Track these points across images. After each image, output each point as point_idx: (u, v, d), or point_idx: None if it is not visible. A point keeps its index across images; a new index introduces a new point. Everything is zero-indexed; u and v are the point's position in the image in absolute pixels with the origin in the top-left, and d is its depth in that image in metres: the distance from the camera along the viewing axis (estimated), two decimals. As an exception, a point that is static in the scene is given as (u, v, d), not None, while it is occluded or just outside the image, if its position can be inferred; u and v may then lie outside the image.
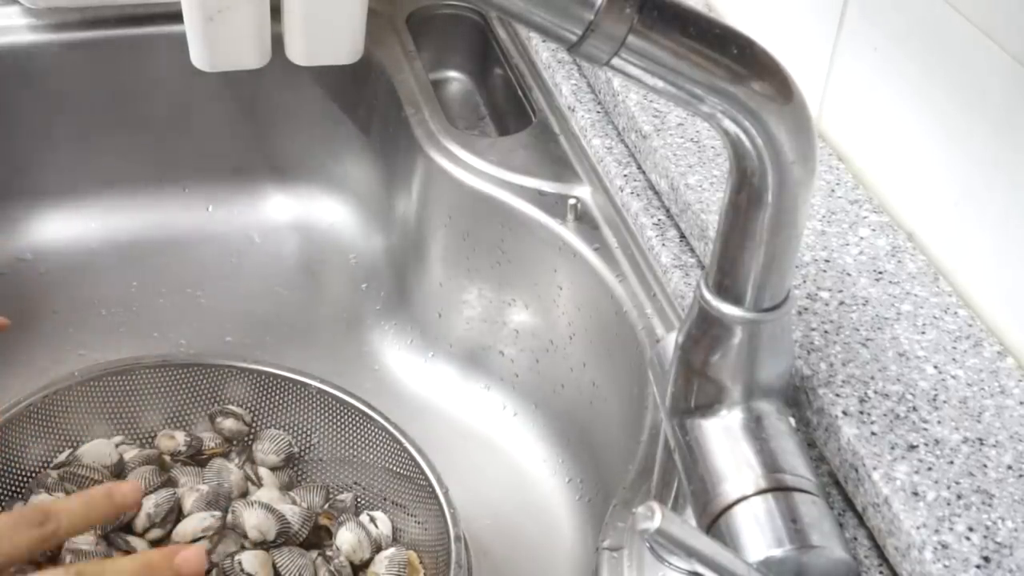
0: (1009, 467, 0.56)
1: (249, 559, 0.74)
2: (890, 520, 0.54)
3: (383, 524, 0.79)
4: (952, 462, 0.56)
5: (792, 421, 0.56)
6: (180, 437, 0.83)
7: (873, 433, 0.58)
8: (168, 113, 1.06)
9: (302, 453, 0.84)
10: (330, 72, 1.03)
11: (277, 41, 0.96)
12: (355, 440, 0.82)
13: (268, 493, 0.80)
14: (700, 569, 0.46)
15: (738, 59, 0.46)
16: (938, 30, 0.66)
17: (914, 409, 0.59)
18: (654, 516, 0.44)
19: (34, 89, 1.01)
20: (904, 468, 0.56)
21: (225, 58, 0.94)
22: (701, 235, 0.73)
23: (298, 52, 0.97)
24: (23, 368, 0.94)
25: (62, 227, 1.06)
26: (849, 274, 0.68)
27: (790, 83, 0.47)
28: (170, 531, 0.76)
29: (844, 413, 0.59)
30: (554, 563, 0.84)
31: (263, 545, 0.76)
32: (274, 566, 0.75)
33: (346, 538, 0.77)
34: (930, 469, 0.56)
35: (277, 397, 0.84)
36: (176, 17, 0.93)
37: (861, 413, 0.59)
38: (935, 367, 0.61)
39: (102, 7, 1.02)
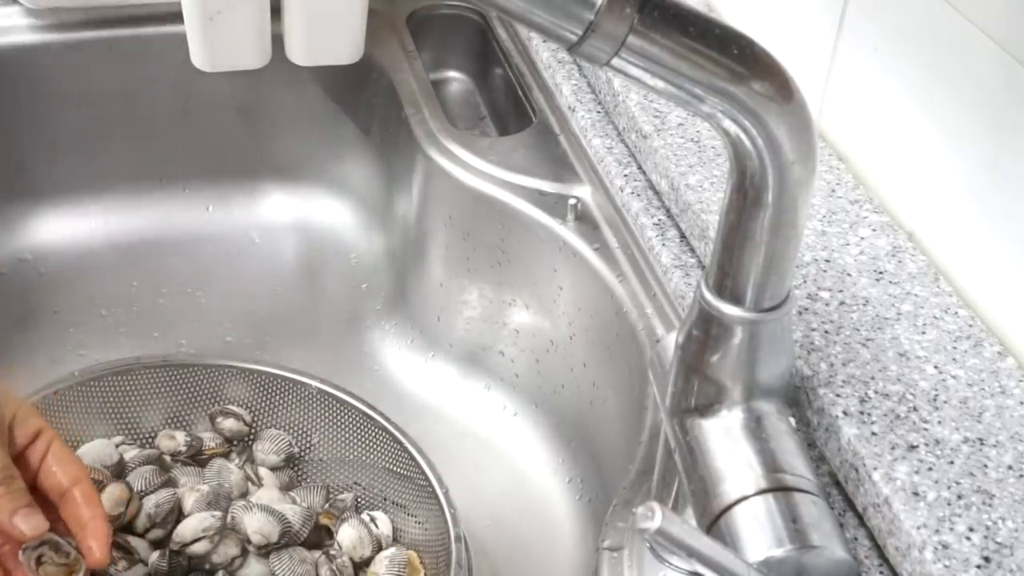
0: (1009, 467, 0.56)
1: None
2: (890, 520, 0.54)
3: (383, 524, 0.79)
4: (952, 462, 0.56)
5: (792, 421, 0.56)
6: (180, 437, 0.83)
7: (873, 433, 0.57)
8: (168, 113, 1.06)
9: (302, 453, 0.84)
10: (330, 72, 1.03)
11: (277, 41, 0.96)
12: (355, 440, 0.82)
13: (268, 493, 0.80)
14: (700, 569, 0.46)
15: (738, 59, 0.46)
16: (938, 30, 0.66)
17: (914, 409, 0.59)
18: (654, 516, 0.44)
19: (34, 89, 1.01)
20: (904, 468, 0.56)
21: (225, 58, 0.94)
22: (701, 235, 0.73)
23: (298, 52, 0.97)
24: (23, 368, 0.94)
25: (62, 227, 1.06)
26: (849, 274, 0.68)
27: (790, 83, 0.47)
28: (170, 531, 0.76)
29: (844, 413, 0.59)
30: (554, 563, 0.84)
31: (266, 548, 0.76)
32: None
33: (347, 534, 0.77)
34: (930, 469, 0.56)
35: (277, 397, 0.84)
36: (176, 17, 0.93)
37: (861, 413, 0.59)
38: (935, 367, 0.61)
39: (102, 7, 1.02)
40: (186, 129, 1.07)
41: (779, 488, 0.52)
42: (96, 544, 0.62)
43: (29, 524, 0.61)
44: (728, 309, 0.53)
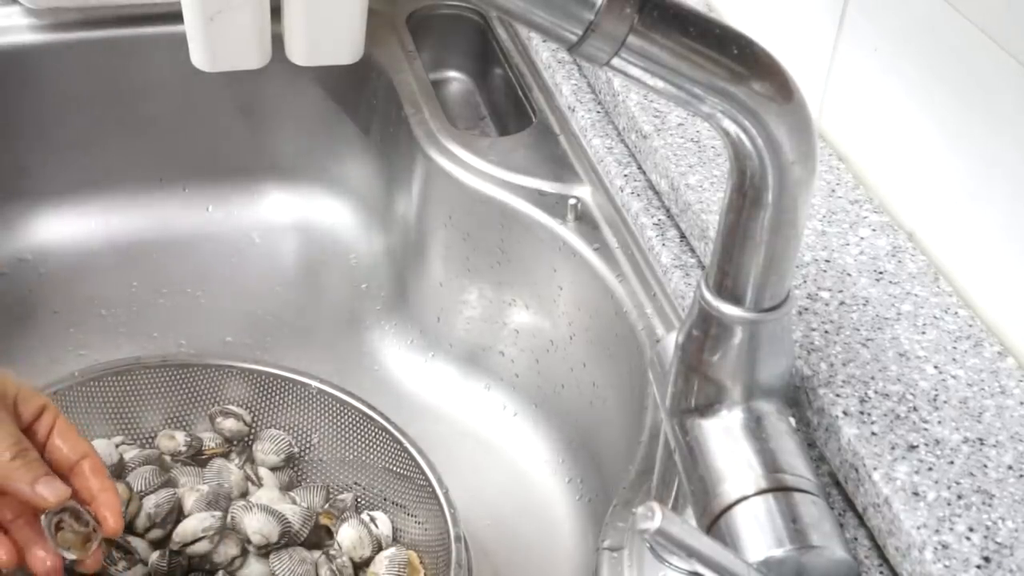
0: (1009, 467, 0.56)
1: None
2: (890, 520, 0.54)
3: (383, 524, 0.79)
4: (952, 462, 0.56)
5: (792, 421, 0.56)
6: (180, 437, 0.83)
7: (873, 433, 0.57)
8: (168, 113, 1.06)
9: (302, 453, 0.84)
10: (330, 72, 1.03)
11: (277, 41, 0.96)
12: (355, 440, 0.82)
13: (268, 493, 0.80)
14: (700, 569, 0.46)
15: (738, 59, 0.46)
16: (938, 30, 0.66)
17: (914, 409, 0.59)
18: (654, 516, 0.44)
19: (34, 89, 1.01)
20: (904, 468, 0.56)
21: (225, 58, 0.94)
22: (701, 235, 0.73)
23: (298, 52, 0.97)
24: (23, 368, 0.94)
25: (62, 227, 1.06)
26: (849, 274, 0.68)
27: (790, 83, 0.47)
28: (170, 531, 0.76)
29: (844, 413, 0.59)
30: (554, 563, 0.84)
31: (266, 548, 0.76)
32: None
33: (348, 534, 0.77)
34: (930, 469, 0.56)
35: (277, 397, 0.84)
36: (176, 17, 0.93)
37: (861, 413, 0.59)
38: (935, 367, 0.61)
39: (102, 7, 1.02)
40: (186, 129, 1.07)
41: (779, 488, 0.52)
42: (110, 514, 0.64)
43: (52, 490, 0.62)
44: (728, 309, 0.53)
